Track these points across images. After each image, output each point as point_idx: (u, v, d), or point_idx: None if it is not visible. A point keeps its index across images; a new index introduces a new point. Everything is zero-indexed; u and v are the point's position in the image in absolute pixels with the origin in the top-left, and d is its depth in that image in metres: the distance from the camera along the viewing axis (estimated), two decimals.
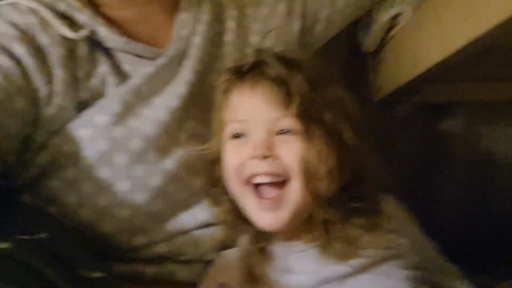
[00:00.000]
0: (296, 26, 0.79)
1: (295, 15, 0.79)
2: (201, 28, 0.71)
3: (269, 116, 0.57)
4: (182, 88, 0.66)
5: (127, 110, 0.62)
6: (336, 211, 0.57)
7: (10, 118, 0.55)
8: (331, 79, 0.61)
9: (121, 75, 0.66)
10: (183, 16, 0.72)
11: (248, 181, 0.58)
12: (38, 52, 0.60)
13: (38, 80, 0.59)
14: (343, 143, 0.57)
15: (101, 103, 0.62)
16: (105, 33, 0.65)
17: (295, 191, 0.56)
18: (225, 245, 0.64)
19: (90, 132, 0.60)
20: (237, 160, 0.58)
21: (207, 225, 0.65)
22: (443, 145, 1.05)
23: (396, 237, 0.58)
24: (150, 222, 0.62)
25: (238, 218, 0.61)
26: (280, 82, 0.56)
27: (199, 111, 0.68)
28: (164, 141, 0.63)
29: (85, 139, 0.60)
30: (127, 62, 0.66)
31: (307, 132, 0.56)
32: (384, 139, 1.02)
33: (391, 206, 0.63)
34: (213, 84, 0.67)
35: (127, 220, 0.60)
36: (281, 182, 0.57)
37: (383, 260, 0.56)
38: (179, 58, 0.69)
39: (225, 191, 0.62)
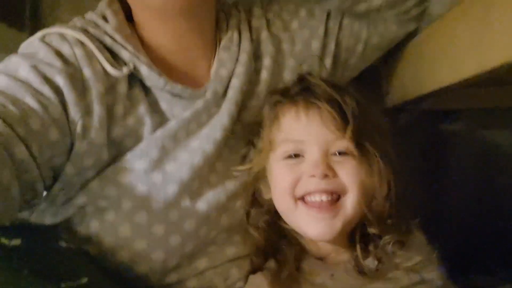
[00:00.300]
0: (328, 62, 0.80)
1: (328, 52, 0.80)
2: (240, 69, 0.72)
3: (325, 137, 0.62)
4: (217, 133, 0.67)
5: (164, 155, 0.64)
6: (378, 227, 0.62)
7: (43, 148, 0.55)
8: (370, 102, 0.66)
9: (158, 115, 0.67)
10: (223, 55, 0.72)
11: (301, 198, 0.62)
12: (80, 86, 0.60)
13: (75, 114, 0.59)
14: (392, 162, 0.63)
15: (140, 148, 0.63)
16: (146, 72, 0.65)
17: (350, 204, 0.61)
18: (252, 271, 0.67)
19: (130, 177, 0.61)
20: (292, 178, 0.62)
21: (235, 258, 0.67)
22: (445, 149, 1.09)
23: (425, 260, 0.63)
24: (182, 261, 0.64)
25: (272, 239, 0.65)
26: (334, 105, 0.61)
27: (229, 152, 0.70)
28: (197, 184, 0.64)
29: (124, 184, 0.61)
30: (164, 101, 0.67)
31: (361, 152, 0.62)
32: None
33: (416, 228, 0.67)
34: (245, 121, 0.71)
35: (161, 262, 0.62)
36: (335, 200, 0.61)
37: (414, 284, 0.61)
38: (217, 100, 0.70)
39: (266, 211, 0.66)
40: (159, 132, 0.65)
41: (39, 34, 0.64)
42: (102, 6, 0.70)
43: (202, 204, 0.64)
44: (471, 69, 0.62)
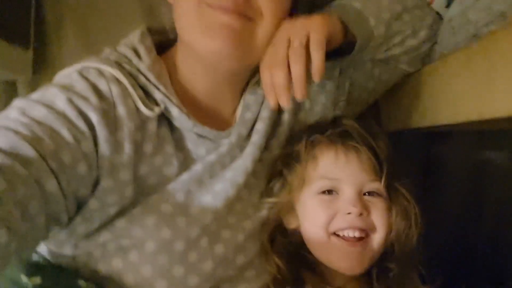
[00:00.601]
0: (342, 100, 0.82)
1: (342, 92, 0.82)
2: (265, 113, 0.73)
3: (361, 178, 0.67)
4: (240, 178, 0.68)
5: (189, 199, 0.65)
6: (397, 263, 0.69)
7: (71, 181, 0.55)
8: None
9: (182, 154, 0.68)
10: (249, 99, 0.74)
11: (333, 233, 0.67)
12: (113, 123, 0.61)
13: (105, 150, 0.59)
14: (415, 206, 0.69)
15: (167, 191, 0.64)
16: (176, 114, 0.66)
17: (377, 242, 0.68)
18: None
19: (155, 219, 0.62)
20: (328, 214, 0.67)
21: None
22: (437, 169, 1.13)
23: None
24: None
25: (293, 268, 0.68)
26: (371, 151, 0.67)
27: (249, 193, 0.71)
28: (216, 226, 0.66)
29: (150, 226, 0.61)
30: (189, 140, 0.69)
31: (390, 194, 0.68)
32: None
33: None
34: (265, 160, 0.73)
35: None
36: (364, 236, 0.67)
37: None
38: (241, 142, 0.71)
39: (288, 240, 0.70)
40: (186, 176, 0.66)
41: (77, 66, 0.65)
42: (135, 41, 0.70)
43: (221, 246, 0.65)
44: (470, 115, 0.66)
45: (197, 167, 0.67)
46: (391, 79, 0.85)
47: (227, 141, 0.70)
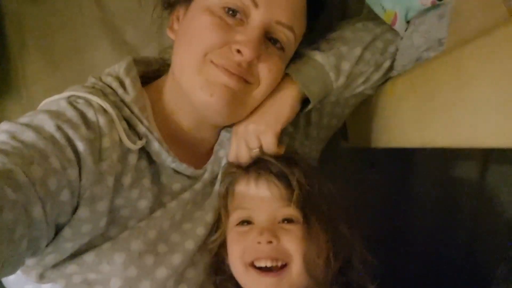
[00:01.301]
0: (314, 132, 0.84)
1: (313, 123, 0.83)
2: None
3: (272, 205, 0.65)
4: (209, 216, 0.69)
5: (160, 237, 0.64)
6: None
7: (54, 208, 0.54)
8: (321, 173, 0.70)
9: (157, 188, 0.67)
10: (224, 136, 0.75)
11: (251, 264, 0.64)
12: (97, 154, 0.60)
13: (88, 180, 0.58)
14: (337, 231, 0.65)
15: (139, 227, 0.63)
16: (156, 148, 0.66)
17: (295, 271, 0.64)
18: None
19: (125, 257, 0.61)
20: (243, 244, 0.65)
21: None
22: (410, 186, 1.13)
23: None
24: None
25: None
26: (282, 177, 0.65)
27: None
28: (183, 267, 0.65)
29: (117, 263, 0.60)
30: (165, 174, 0.68)
31: (306, 221, 0.64)
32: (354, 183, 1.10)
33: None
34: None
35: None
36: (281, 266, 0.63)
37: None
38: (212, 179, 0.72)
39: (228, 277, 0.68)
40: (159, 213, 0.65)
41: (65, 94, 0.65)
42: (120, 72, 0.70)
43: (184, 285, 0.65)
44: (414, 142, 0.65)
45: (172, 205, 0.67)
46: (358, 101, 0.84)
47: (201, 179, 0.71)
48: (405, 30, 0.73)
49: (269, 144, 0.68)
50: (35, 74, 1.10)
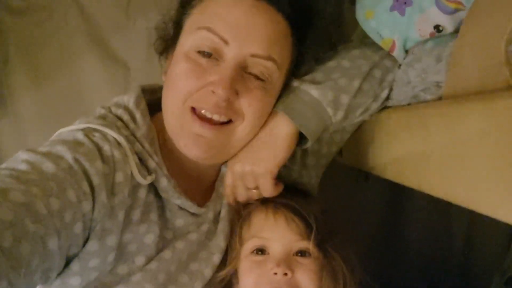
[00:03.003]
0: (312, 160, 0.82)
1: (313, 150, 0.82)
2: None
3: (289, 238, 0.67)
4: (216, 257, 0.70)
5: (169, 279, 0.65)
6: None
7: (67, 240, 0.55)
8: (334, 210, 0.72)
9: (162, 222, 0.67)
10: (224, 171, 0.75)
11: None
12: (110, 189, 0.60)
13: (99, 214, 0.58)
14: (351, 261, 0.68)
15: (150, 270, 0.63)
16: (164, 184, 0.66)
17: None
18: None
19: None
20: (257, 274, 0.66)
21: None
22: (405, 200, 1.12)
23: None
24: None
25: None
26: (299, 214, 0.67)
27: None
28: None
29: None
30: (170, 210, 0.69)
31: (320, 255, 0.66)
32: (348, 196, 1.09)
33: None
34: None
35: None
36: None
37: None
38: (216, 217, 0.73)
39: None
40: (168, 254, 0.65)
41: (81, 125, 0.64)
42: (130, 104, 0.70)
43: None
44: (411, 183, 0.64)
45: (180, 246, 0.67)
46: (356, 127, 0.82)
47: (205, 217, 0.71)
48: (404, 59, 0.71)
49: (267, 187, 0.69)
50: (20, 88, 1.06)
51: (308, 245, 0.66)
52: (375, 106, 0.73)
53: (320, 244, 0.67)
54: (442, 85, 0.56)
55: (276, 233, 0.67)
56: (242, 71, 0.65)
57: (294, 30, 0.68)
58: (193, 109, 0.65)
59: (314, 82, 0.70)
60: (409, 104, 0.66)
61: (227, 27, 0.63)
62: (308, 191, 0.73)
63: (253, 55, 0.64)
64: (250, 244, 0.68)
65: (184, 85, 0.64)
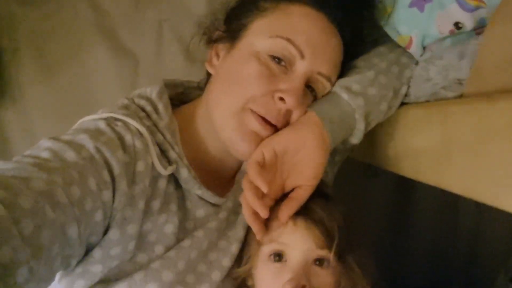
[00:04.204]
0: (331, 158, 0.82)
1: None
2: None
3: (308, 245, 0.64)
4: (234, 247, 0.69)
5: (188, 267, 0.65)
6: None
7: (87, 227, 0.56)
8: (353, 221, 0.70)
9: (182, 213, 0.68)
10: (246, 162, 0.75)
11: None
12: (131, 178, 0.61)
13: (121, 203, 0.59)
14: (359, 277, 0.66)
15: (169, 257, 0.64)
16: (185, 175, 0.67)
17: None
18: None
19: (156, 287, 0.62)
20: (276, 284, 0.64)
21: None
22: (411, 197, 1.12)
23: None
24: None
25: None
26: (321, 221, 0.65)
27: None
28: None
29: None
30: (190, 200, 0.69)
31: (339, 266, 0.65)
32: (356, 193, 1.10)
33: None
34: None
35: None
36: None
37: None
38: (236, 207, 0.72)
39: None
40: (187, 243, 0.66)
41: (103, 115, 0.65)
42: (153, 95, 0.71)
43: None
44: (429, 179, 0.63)
45: (199, 234, 0.67)
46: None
47: (225, 207, 0.71)
48: (421, 55, 0.71)
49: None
50: (29, 80, 1.06)
51: (328, 254, 0.64)
52: (396, 102, 0.73)
53: (341, 255, 0.65)
54: (463, 83, 0.56)
55: (295, 240, 0.65)
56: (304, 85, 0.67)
57: (345, 54, 0.71)
58: (251, 110, 0.65)
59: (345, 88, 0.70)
60: (427, 101, 0.66)
61: (308, 43, 0.65)
62: (328, 193, 0.70)
63: (319, 73, 0.67)
64: (268, 248, 0.66)
65: (254, 88, 0.65)
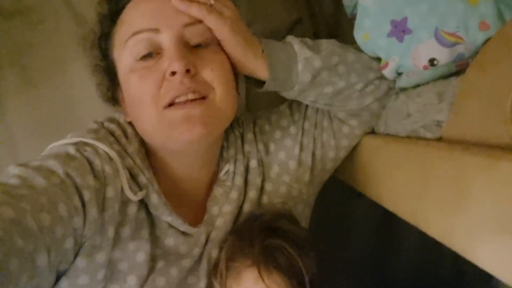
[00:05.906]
0: (307, 176, 0.81)
1: (308, 152, 0.81)
2: (228, 208, 0.73)
3: None
4: (203, 283, 0.69)
5: None
6: None
7: (57, 255, 0.54)
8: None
9: (154, 242, 0.67)
10: (217, 192, 0.75)
11: None
12: (101, 204, 0.60)
13: (90, 230, 0.58)
14: None
15: None
16: (155, 201, 0.66)
17: None
18: None
19: None
20: None
21: None
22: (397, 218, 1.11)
23: None
24: None
25: None
26: (294, 275, 0.63)
27: None
28: None
29: None
30: (160, 228, 0.68)
31: None
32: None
33: None
34: None
35: None
36: None
37: None
38: (205, 240, 0.71)
39: None
40: (162, 281, 0.65)
41: (73, 139, 0.65)
42: (122, 120, 0.72)
43: None
44: (408, 217, 0.63)
45: (174, 273, 0.67)
46: (350, 144, 0.82)
47: (198, 241, 0.70)
48: (393, 78, 0.71)
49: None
50: (10, 92, 1.04)
51: None
52: (353, 104, 0.73)
53: None
54: (443, 125, 0.56)
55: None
56: (187, 47, 0.64)
57: None
58: (168, 105, 0.63)
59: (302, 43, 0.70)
60: (408, 137, 0.65)
61: (147, 17, 0.64)
62: (302, 238, 0.68)
63: (185, 25, 0.64)
64: None
65: (146, 91, 0.63)
